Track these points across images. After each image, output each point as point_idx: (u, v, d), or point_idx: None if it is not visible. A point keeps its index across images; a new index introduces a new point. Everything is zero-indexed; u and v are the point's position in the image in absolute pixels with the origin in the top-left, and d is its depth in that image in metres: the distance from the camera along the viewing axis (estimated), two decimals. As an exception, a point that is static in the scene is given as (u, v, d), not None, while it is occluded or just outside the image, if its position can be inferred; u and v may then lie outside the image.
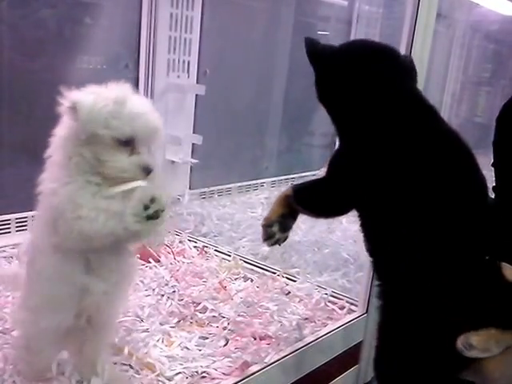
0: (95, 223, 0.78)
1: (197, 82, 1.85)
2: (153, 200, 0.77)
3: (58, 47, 1.55)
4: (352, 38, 2.57)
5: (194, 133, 1.88)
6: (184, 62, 1.79)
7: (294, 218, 1.00)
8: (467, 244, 0.74)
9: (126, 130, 0.80)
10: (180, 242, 1.65)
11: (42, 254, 0.87)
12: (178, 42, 1.75)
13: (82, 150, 0.81)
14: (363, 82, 0.82)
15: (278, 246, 1.01)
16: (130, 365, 1.04)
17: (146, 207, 0.77)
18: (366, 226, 0.86)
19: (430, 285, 0.73)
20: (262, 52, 2.20)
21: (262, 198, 2.20)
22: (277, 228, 0.98)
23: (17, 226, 1.52)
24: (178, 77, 1.78)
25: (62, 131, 0.83)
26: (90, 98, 0.80)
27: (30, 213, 1.52)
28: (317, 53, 0.88)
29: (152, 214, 0.77)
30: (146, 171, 0.83)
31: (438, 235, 0.74)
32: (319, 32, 2.58)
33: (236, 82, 2.09)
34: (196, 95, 1.86)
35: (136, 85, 1.68)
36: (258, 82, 2.16)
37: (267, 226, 0.99)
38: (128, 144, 0.82)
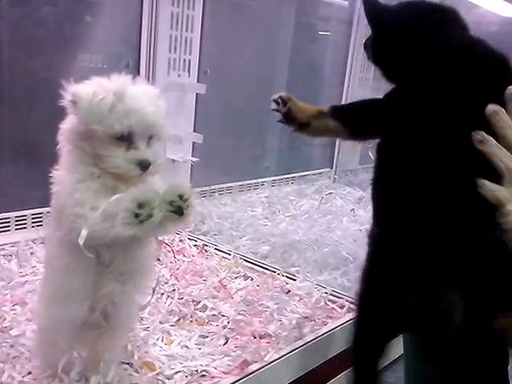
0: (92, 225, 0.77)
1: (197, 81, 1.85)
2: (141, 205, 0.75)
3: (59, 46, 1.55)
4: (353, 39, 2.58)
5: (194, 132, 1.88)
6: (185, 61, 1.79)
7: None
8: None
9: (119, 127, 0.79)
10: (180, 240, 1.65)
11: (52, 244, 0.87)
12: (179, 40, 1.75)
13: (82, 144, 0.81)
14: (432, 43, 0.78)
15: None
16: (129, 363, 1.04)
17: (137, 215, 0.75)
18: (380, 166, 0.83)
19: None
20: (263, 51, 2.20)
21: (262, 197, 2.20)
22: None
23: (16, 225, 1.52)
24: (179, 76, 1.78)
25: (66, 124, 0.84)
26: (90, 91, 0.79)
27: (29, 211, 1.52)
28: (377, 15, 0.84)
29: (144, 218, 0.75)
30: (143, 166, 0.81)
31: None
32: (320, 32, 2.58)
33: (237, 81, 2.09)
34: (196, 94, 1.86)
35: (136, 84, 1.69)
36: (259, 81, 2.16)
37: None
38: (124, 139, 0.81)
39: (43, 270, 0.95)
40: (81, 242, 0.77)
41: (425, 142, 0.71)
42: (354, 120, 0.94)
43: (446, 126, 0.68)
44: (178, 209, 0.77)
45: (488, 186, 0.56)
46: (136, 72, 1.67)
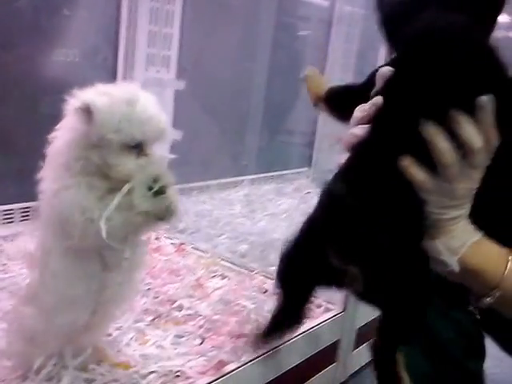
0: (111, 221, 0.78)
1: (177, 78, 1.83)
2: (156, 179, 0.78)
3: (34, 39, 1.51)
4: (332, 38, 2.57)
5: (172, 128, 1.86)
6: (164, 56, 1.76)
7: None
8: None
9: (136, 135, 0.79)
10: (156, 238, 1.63)
11: (54, 255, 0.85)
12: (158, 36, 1.72)
13: (89, 154, 0.79)
14: None
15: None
16: (101, 362, 1.02)
17: (151, 188, 0.78)
18: None
19: None
20: (243, 49, 2.19)
21: (241, 196, 2.19)
22: None
23: (4, 219, 1.48)
24: (158, 72, 1.75)
25: (67, 132, 0.81)
26: (105, 100, 0.78)
27: (16, 205, 1.48)
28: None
29: (158, 190, 0.78)
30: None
31: None
32: (301, 32, 2.58)
33: (216, 79, 2.07)
34: (175, 91, 1.84)
35: (114, 78, 1.66)
36: (239, 79, 2.15)
37: None
38: (136, 147, 0.80)
39: (37, 275, 0.91)
40: (104, 236, 0.77)
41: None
42: (341, 105, 0.91)
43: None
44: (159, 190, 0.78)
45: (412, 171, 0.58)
46: (114, 67, 1.64)
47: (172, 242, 1.63)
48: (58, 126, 0.83)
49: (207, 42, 1.99)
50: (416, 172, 0.58)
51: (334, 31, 2.56)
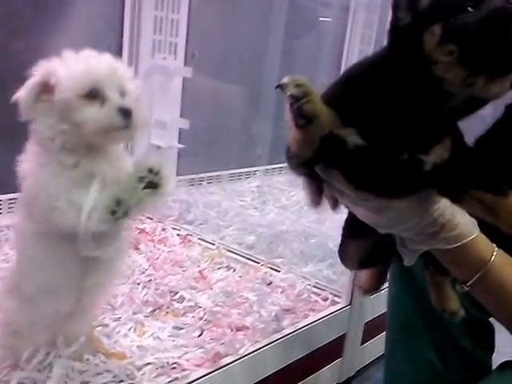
0: (68, 218, 0.75)
1: (184, 65, 1.79)
2: (118, 202, 0.74)
3: (38, 26, 1.49)
4: (350, 24, 2.50)
5: (181, 117, 1.82)
6: (171, 43, 1.72)
7: None
8: None
9: (85, 83, 0.76)
10: (163, 229, 1.60)
11: (30, 239, 0.83)
12: (165, 22, 1.68)
13: (60, 127, 0.77)
14: None
15: None
16: (98, 352, 0.99)
17: (114, 212, 0.74)
18: None
19: None
20: (254, 34, 2.13)
21: (253, 187, 2.14)
22: None
23: (9, 208, 1.48)
24: (164, 59, 1.71)
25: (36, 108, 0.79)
26: (61, 65, 0.77)
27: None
28: None
29: (121, 216, 0.75)
30: (124, 113, 0.77)
31: None
32: (321, 18, 2.51)
33: (226, 65, 2.03)
34: (184, 78, 1.80)
35: (119, 66, 1.63)
36: (250, 65, 2.09)
37: None
38: (94, 96, 0.77)
39: (14, 265, 0.90)
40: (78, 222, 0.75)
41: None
42: None
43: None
44: (150, 184, 0.76)
45: None
46: (119, 54, 1.61)
47: (179, 233, 1.60)
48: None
49: (216, 27, 1.94)
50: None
51: (351, 17, 2.49)
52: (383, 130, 0.59)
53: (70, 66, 0.78)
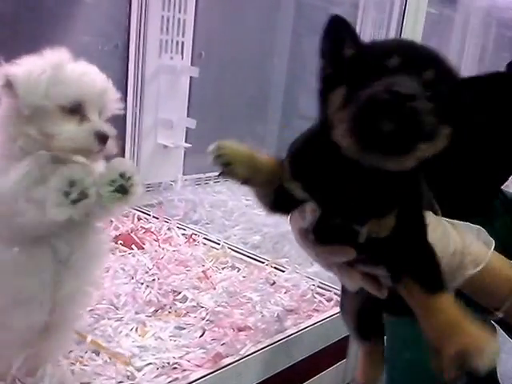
0: (27, 217, 0.72)
1: (191, 64, 1.79)
2: (72, 183, 0.71)
3: (45, 26, 1.50)
4: (359, 22, 2.48)
5: (187, 116, 1.83)
6: (178, 43, 1.73)
7: None
8: None
9: (70, 95, 0.74)
10: (168, 229, 1.60)
11: None
12: (172, 21, 1.69)
13: (26, 129, 0.75)
14: None
15: None
16: (97, 353, 0.99)
17: (67, 193, 0.70)
18: None
19: None
20: (261, 33, 2.12)
21: (260, 186, 2.14)
22: None
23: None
24: (171, 58, 1.72)
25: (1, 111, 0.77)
26: (24, 69, 0.73)
27: None
28: None
29: (76, 197, 0.71)
30: (101, 139, 0.76)
31: None
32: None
33: (233, 65, 2.02)
34: (191, 78, 1.81)
35: (126, 66, 1.63)
36: (257, 65, 2.08)
37: None
38: (75, 111, 0.75)
39: None
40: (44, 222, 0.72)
41: None
42: None
43: None
44: (120, 188, 0.73)
45: None
46: (125, 54, 1.62)
47: (184, 232, 1.60)
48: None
49: (223, 26, 1.93)
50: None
51: (360, 14, 2.47)
52: (318, 189, 0.58)
53: (60, 74, 0.75)
